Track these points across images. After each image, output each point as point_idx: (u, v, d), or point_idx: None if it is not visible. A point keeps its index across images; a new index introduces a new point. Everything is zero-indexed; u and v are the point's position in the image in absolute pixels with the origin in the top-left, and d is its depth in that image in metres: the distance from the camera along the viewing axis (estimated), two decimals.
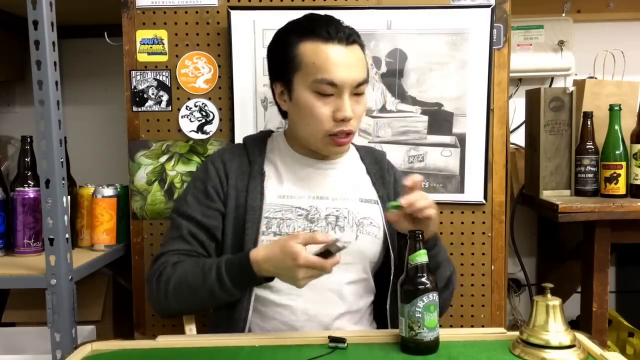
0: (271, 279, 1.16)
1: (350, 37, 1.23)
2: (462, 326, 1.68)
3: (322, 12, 1.29)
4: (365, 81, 1.25)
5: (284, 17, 1.59)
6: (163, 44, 1.66)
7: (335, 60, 1.21)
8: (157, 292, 1.23)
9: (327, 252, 1.06)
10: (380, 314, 1.32)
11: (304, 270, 1.06)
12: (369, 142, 1.65)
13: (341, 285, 1.27)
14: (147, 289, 1.29)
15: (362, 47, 1.28)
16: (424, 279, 1.07)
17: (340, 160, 1.37)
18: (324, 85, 1.21)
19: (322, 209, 1.29)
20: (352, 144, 1.42)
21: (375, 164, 1.41)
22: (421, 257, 1.08)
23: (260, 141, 1.38)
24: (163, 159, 1.68)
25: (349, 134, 1.26)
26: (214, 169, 1.32)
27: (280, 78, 1.29)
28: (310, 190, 1.31)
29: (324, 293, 1.26)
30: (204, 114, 1.67)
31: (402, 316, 1.09)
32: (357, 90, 1.24)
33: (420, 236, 1.09)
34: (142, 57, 1.66)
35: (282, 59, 1.27)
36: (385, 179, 1.39)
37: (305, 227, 1.27)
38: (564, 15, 2.14)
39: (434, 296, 1.07)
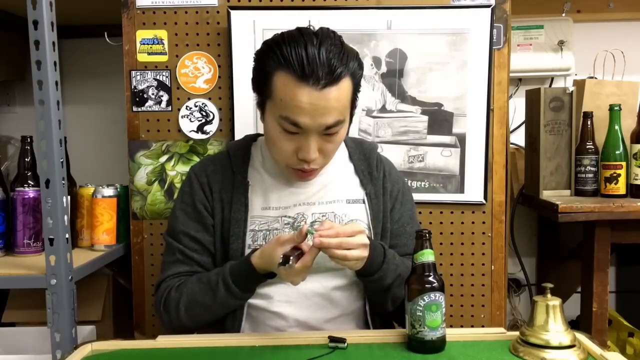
0: (272, 275, 1.17)
1: (329, 76, 1.10)
2: (462, 326, 1.68)
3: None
4: (339, 122, 1.16)
5: (284, 17, 1.60)
6: (163, 44, 1.66)
7: (303, 104, 1.11)
8: (168, 317, 1.25)
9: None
10: (378, 316, 1.31)
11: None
12: None
13: (330, 290, 1.27)
14: (157, 315, 1.32)
15: (354, 76, 1.16)
16: (428, 278, 1.08)
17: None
18: (288, 124, 1.14)
19: (308, 215, 1.27)
20: None
21: (364, 160, 1.35)
22: (426, 256, 1.08)
23: (244, 149, 1.33)
24: (163, 159, 1.68)
25: (312, 170, 1.21)
26: (198, 183, 1.30)
27: (256, 93, 1.24)
28: (296, 197, 1.29)
29: (312, 298, 1.26)
30: (204, 114, 1.67)
31: (406, 314, 1.10)
32: (327, 131, 1.16)
33: (427, 235, 1.09)
34: (142, 57, 1.66)
35: (259, 79, 1.20)
36: (373, 175, 1.33)
37: None
38: (564, 15, 2.14)
39: (436, 296, 1.07)
